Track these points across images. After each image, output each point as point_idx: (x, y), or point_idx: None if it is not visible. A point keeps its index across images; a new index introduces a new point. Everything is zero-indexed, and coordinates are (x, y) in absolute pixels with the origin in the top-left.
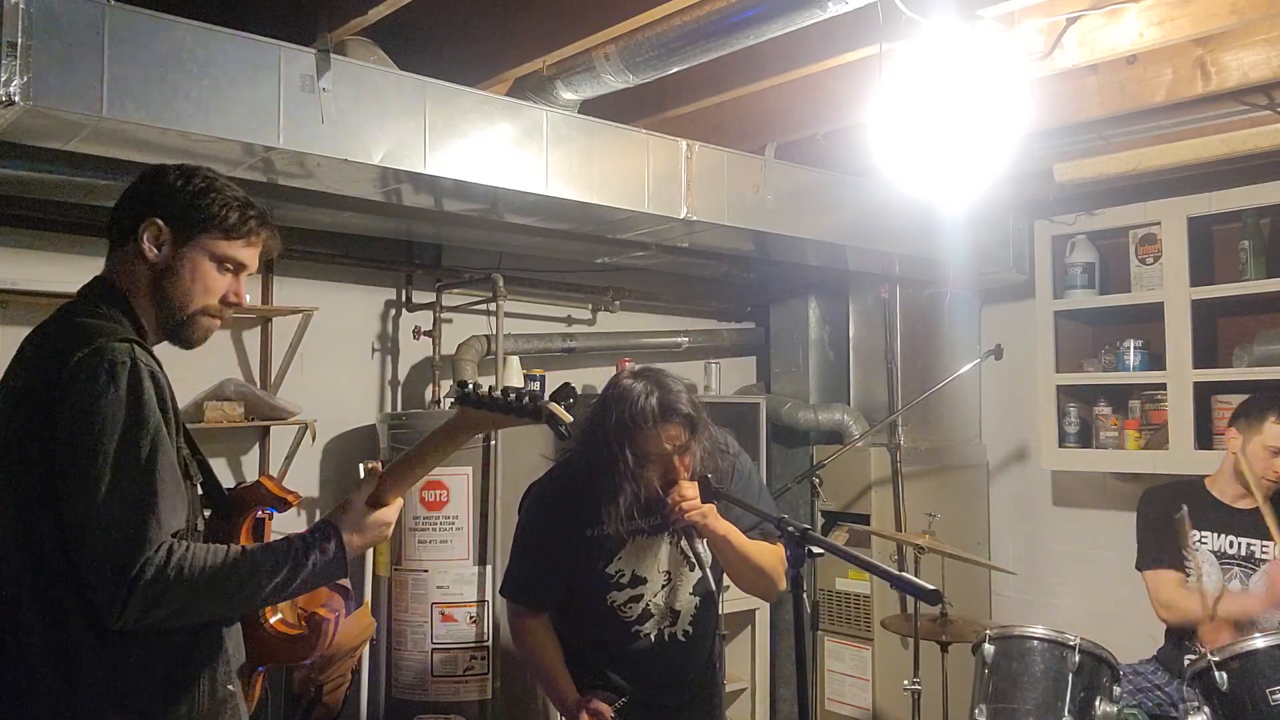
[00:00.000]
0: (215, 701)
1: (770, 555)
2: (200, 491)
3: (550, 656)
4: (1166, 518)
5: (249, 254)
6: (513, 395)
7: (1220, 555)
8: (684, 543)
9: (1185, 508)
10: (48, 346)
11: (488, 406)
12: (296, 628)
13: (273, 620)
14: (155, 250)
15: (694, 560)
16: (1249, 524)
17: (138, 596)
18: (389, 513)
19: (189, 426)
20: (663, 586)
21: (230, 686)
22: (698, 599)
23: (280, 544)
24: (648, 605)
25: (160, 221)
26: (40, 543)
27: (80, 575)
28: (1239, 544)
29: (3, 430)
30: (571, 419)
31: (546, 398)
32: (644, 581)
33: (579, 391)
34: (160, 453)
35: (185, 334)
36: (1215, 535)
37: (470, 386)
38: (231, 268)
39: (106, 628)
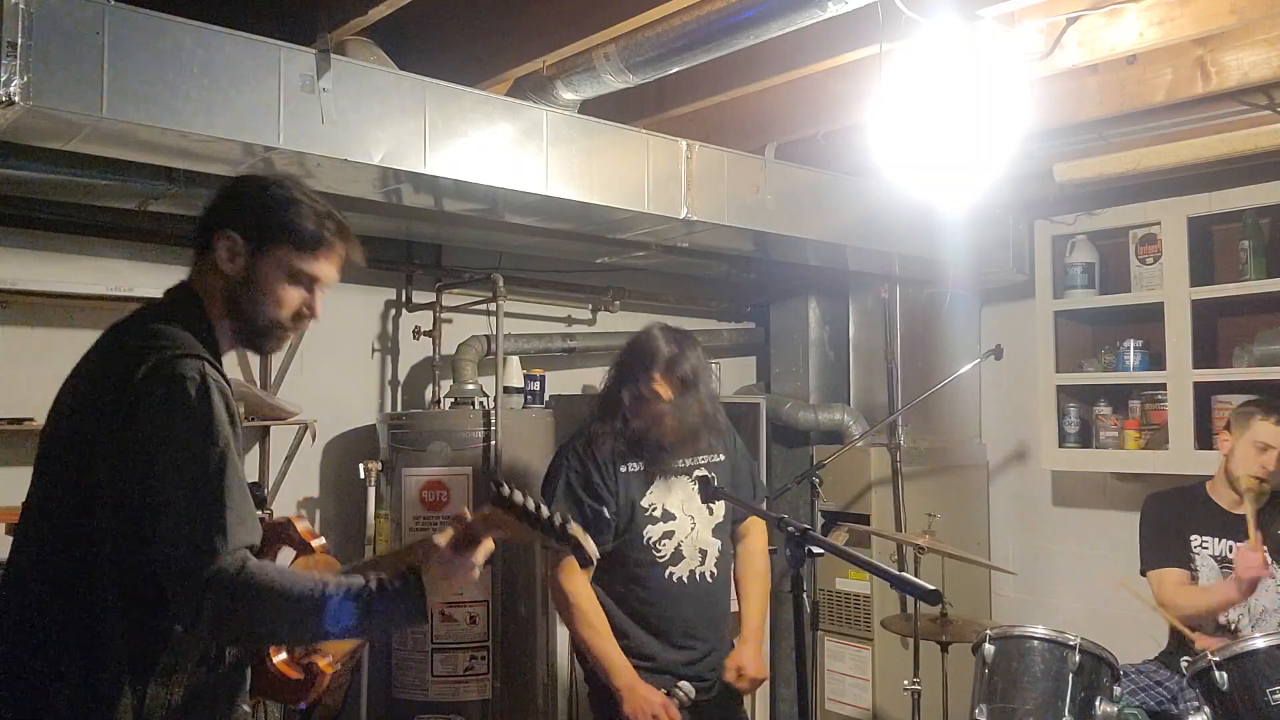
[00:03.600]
0: None
1: (766, 577)
2: None
3: (607, 630)
4: (1169, 521)
5: (325, 268)
6: (545, 513)
7: (1220, 560)
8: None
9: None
10: (119, 351)
11: (517, 515)
12: (296, 672)
13: (276, 659)
14: (230, 263)
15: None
16: (1248, 530)
17: (210, 604)
18: (479, 554)
19: None
20: (690, 529)
21: (245, 707)
22: (719, 542)
23: (357, 585)
24: (679, 545)
25: (235, 234)
26: (93, 553)
27: (130, 590)
28: (1237, 549)
29: (64, 434)
30: (597, 554)
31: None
32: (674, 518)
33: (579, 391)
34: (228, 467)
35: (258, 344)
36: (1215, 540)
37: (507, 490)
38: (306, 281)
39: (186, 634)
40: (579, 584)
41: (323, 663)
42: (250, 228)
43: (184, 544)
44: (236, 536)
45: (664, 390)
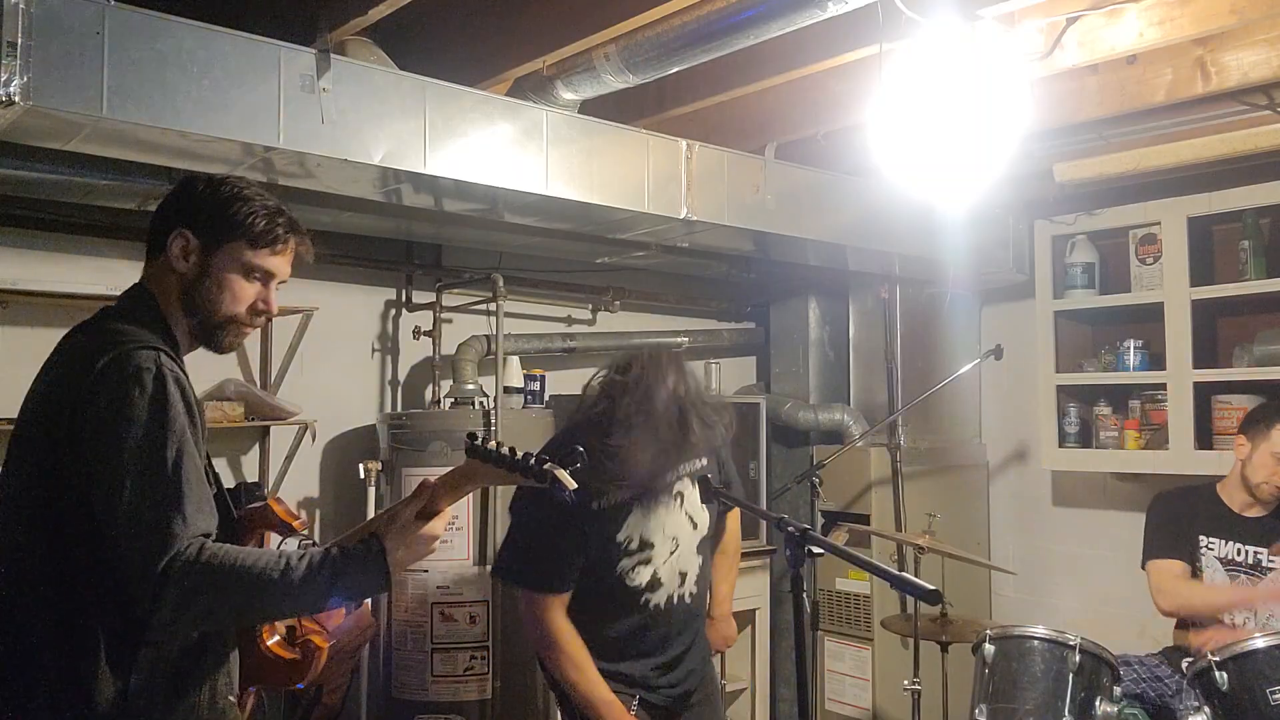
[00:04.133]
0: (215, 712)
1: (736, 556)
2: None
3: (593, 669)
4: (1177, 519)
5: (277, 262)
6: (520, 455)
7: (1227, 563)
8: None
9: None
10: (77, 350)
11: (493, 462)
12: (291, 652)
13: (270, 642)
14: (184, 261)
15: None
16: (1257, 532)
17: (170, 592)
18: (437, 525)
19: None
20: (670, 553)
21: (230, 698)
22: (701, 558)
23: (318, 553)
24: (655, 573)
25: (188, 232)
26: (65, 544)
27: (106, 578)
28: (1246, 552)
29: (30, 429)
30: (575, 485)
31: (555, 460)
32: (651, 546)
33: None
34: (185, 456)
35: (215, 341)
36: (1223, 542)
37: (479, 440)
38: (260, 276)
39: (148, 630)
40: (561, 621)
41: (318, 639)
42: (202, 225)
43: (141, 532)
44: (194, 523)
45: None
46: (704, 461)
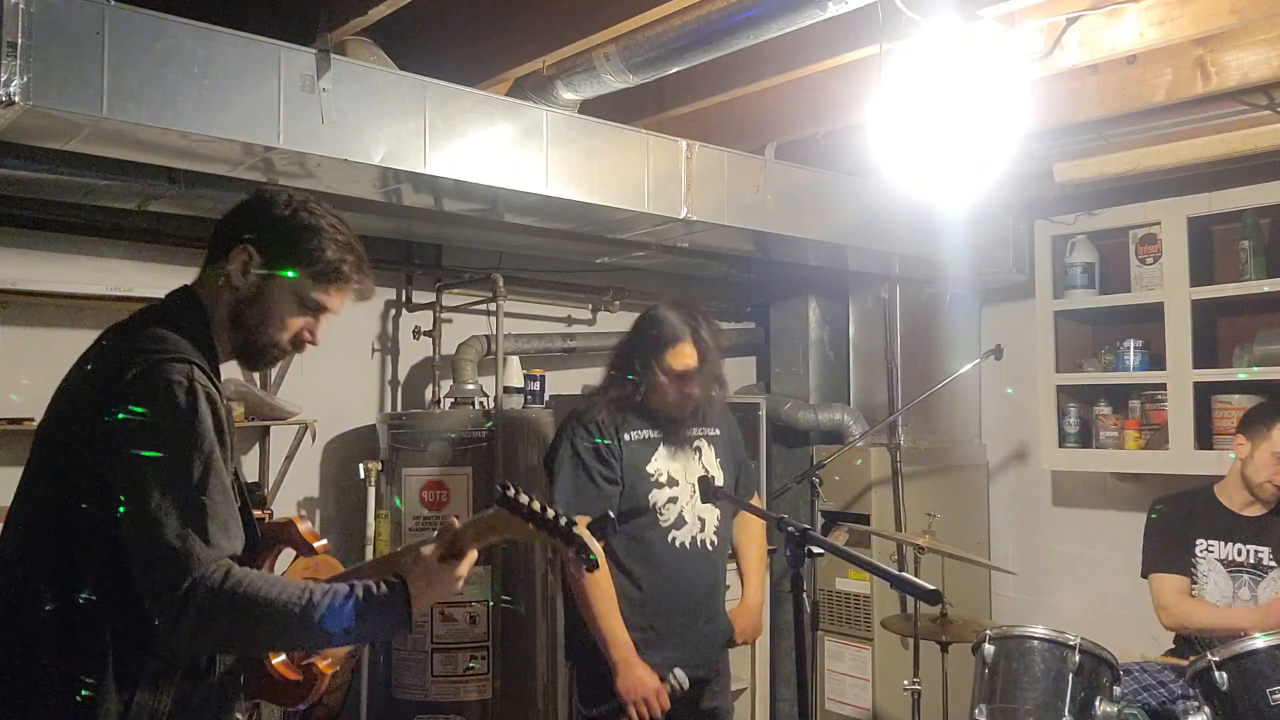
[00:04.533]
0: None
1: (763, 546)
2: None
3: (614, 601)
4: (1175, 526)
5: (334, 300)
6: (551, 514)
7: (1228, 563)
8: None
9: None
10: (112, 353)
11: (523, 517)
12: (295, 673)
13: (275, 661)
14: (242, 276)
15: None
16: (1257, 532)
17: (190, 614)
18: (462, 567)
19: None
20: (691, 495)
21: (237, 715)
22: (718, 511)
23: (343, 590)
24: (682, 511)
25: (253, 249)
26: (78, 552)
27: (118, 591)
28: (1247, 551)
29: (55, 430)
30: (601, 552)
31: (584, 524)
32: (676, 484)
33: (579, 391)
34: (212, 475)
35: (253, 361)
36: (1223, 543)
37: (512, 491)
38: (313, 309)
39: (163, 643)
40: (594, 582)
41: (322, 664)
42: (270, 246)
43: (164, 551)
44: (219, 545)
45: (687, 362)
46: (717, 431)
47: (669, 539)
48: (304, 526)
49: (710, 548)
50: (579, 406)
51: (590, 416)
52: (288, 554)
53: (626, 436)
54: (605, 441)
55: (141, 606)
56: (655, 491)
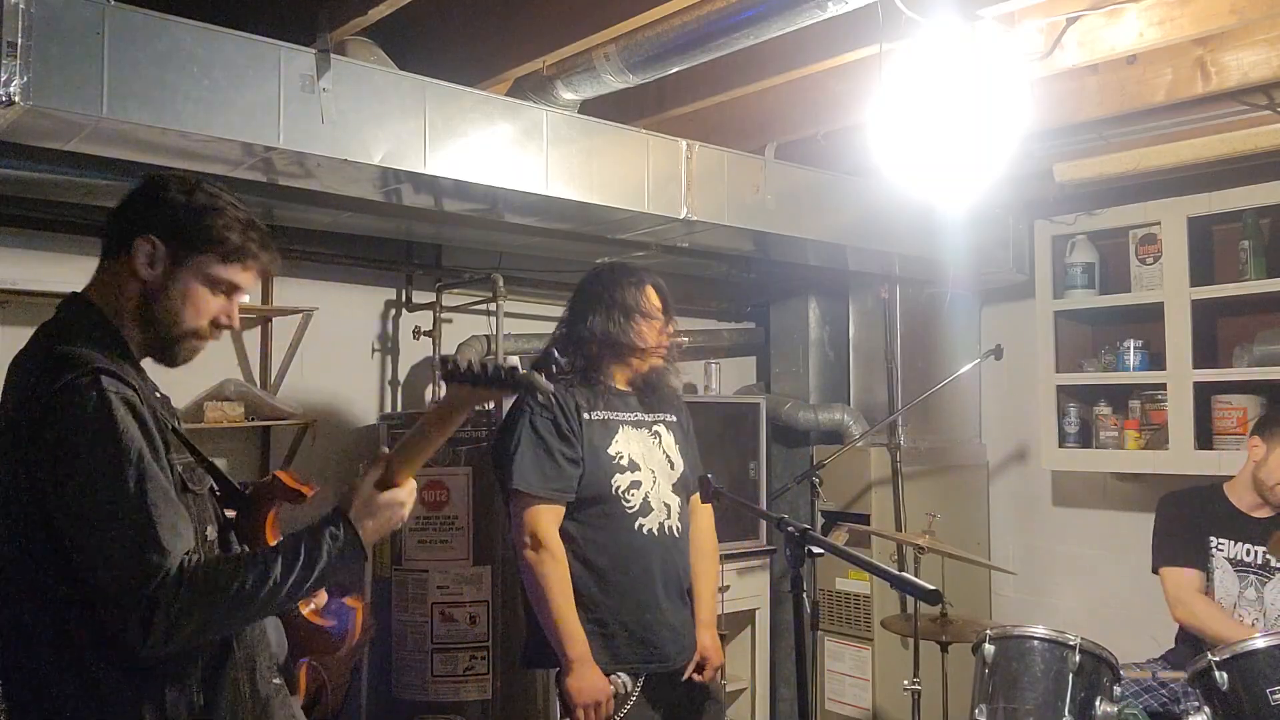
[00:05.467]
0: (260, 700)
1: (715, 557)
2: (217, 494)
3: (570, 591)
4: (1187, 521)
5: (246, 277)
6: (491, 368)
7: (1236, 563)
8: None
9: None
10: (25, 380)
11: (470, 381)
12: (327, 620)
13: (305, 611)
14: (149, 268)
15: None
16: (1265, 532)
17: (159, 622)
18: (401, 493)
19: (189, 427)
20: (654, 482)
21: (276, 681)
22: (679, 499)
23: (288, 541)
24: (647, 496)
25: (156, 239)
26: (47, 575)
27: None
28: (1255, 552)
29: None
30: (551, 387)
31: (529, 367)
32: (639, 468)
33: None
34: (147, 480)
35: (170, 355)
36: (1232, 543)
37: (452, 364)
38: (225, 290)
39: (139, 656)
40: (552, 529)
41: (348, 600)
42: (172, 233)
43: (118, 566)
44: (171, 548)
45: (657, 302)
46: (674, 417)
47: (636, 525)
48: (289, 477)
49: (677, 534)
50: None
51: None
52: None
53: (586, 416)
54: (566, 420)
55: (118, 625)
56: (618, 476)
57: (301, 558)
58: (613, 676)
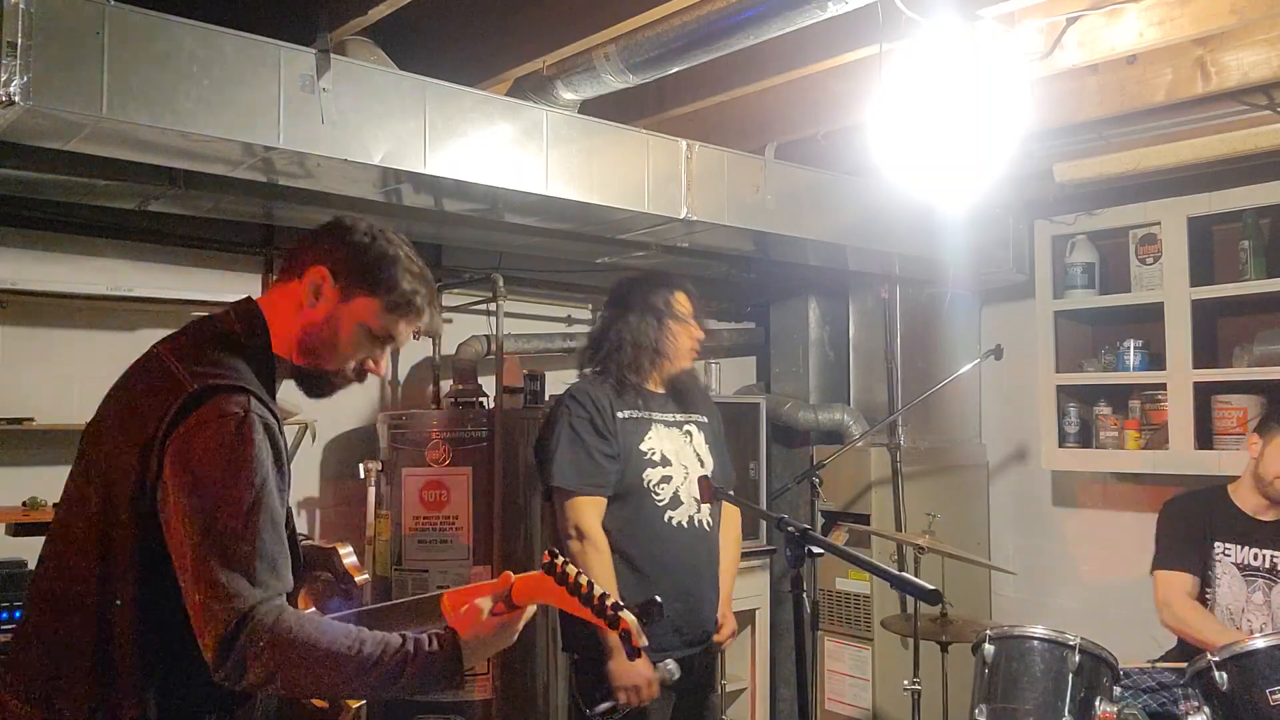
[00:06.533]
0: None
1: (738, 542)
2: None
3: (611, 586)
4: (1190, 526)
5: (404, 330)
6: (595, 593)
7: (1243, 568)
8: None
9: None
10: (164, 372)
11: (568, 589)
12: (322, 701)
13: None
14: (314, 298)
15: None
16: (1272, 535)
17: (235, 654)
18: (517, 624)
19: None
20: (684, 477)
21: None
22: None
23: (396, 643)
24: (677, 491)
25: (329, 272)
26: (113, 565)
27: (155, 611)
28: (1262, 556)
29: (106, 439)
30: (646, 643)
31: (631, 610)
32: (670, 464)
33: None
34: (263, 510)
35: (312, 388)
36: (1238, 547)
37: (560, 561)
38: (380, 338)
39: (212, 677)
40: (594, 522)
41: (351, 701)
42: (346, 272)
43: (211, 589)
44: (266, 584)
45: (685, 305)
46: (706, 419)
47: (666, 519)
48: (349, 561)
49: (707, 527)
50: (572, 385)
51: (584, 395)
52: None
53: (620, 415)
54: (602, 419)
55: (178, 641)
56: (649, 470)
57: (399, 661)
58: (660, 664)
